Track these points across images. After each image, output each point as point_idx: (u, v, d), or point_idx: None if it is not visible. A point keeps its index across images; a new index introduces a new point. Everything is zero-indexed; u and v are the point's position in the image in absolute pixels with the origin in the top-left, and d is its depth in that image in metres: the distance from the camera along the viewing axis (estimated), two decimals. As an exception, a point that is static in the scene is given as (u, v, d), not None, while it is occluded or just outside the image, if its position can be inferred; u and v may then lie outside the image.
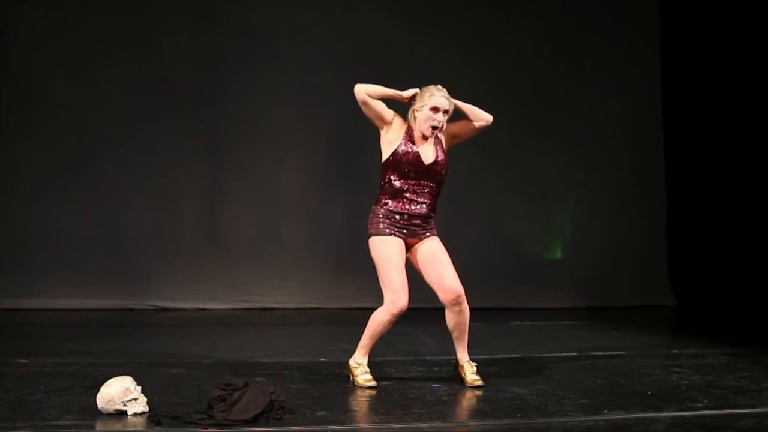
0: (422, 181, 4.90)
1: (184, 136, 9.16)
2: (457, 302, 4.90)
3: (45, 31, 8.92)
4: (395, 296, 4.83)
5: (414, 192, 4.89)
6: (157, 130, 9.10)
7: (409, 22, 9.36)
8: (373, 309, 4.98)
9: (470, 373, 4.98)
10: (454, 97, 4.98)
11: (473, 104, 5.08)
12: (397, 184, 4.89)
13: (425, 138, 4.92)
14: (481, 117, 5.06)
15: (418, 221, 4.92)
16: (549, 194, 9.74)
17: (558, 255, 9.77)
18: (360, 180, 8.61)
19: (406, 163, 4.87)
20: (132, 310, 8.90)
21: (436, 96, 4.88)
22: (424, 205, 4.92)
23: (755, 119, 9.62)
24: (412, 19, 9.39)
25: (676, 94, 9.90)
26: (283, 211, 9.30)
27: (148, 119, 9.08)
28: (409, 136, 4.91)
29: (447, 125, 4.99)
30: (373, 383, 4.89)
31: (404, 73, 9.37)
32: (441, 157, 4.94)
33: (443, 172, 4.95)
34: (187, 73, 9.15)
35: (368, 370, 4.96)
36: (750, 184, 9.70)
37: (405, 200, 4.90)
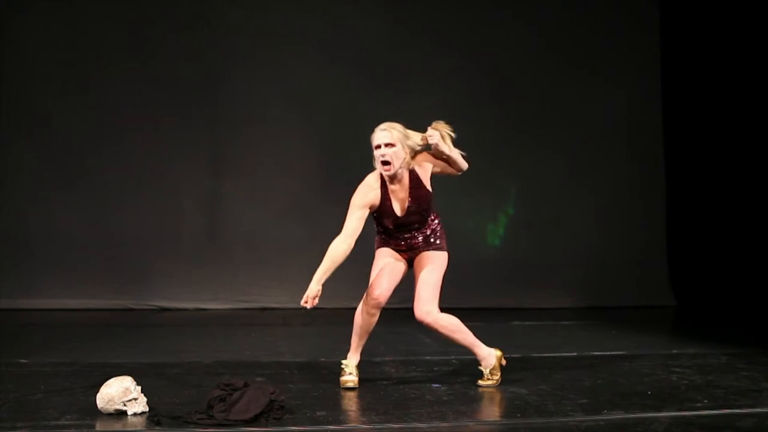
0: (403, 226, 4.91)
1: (183, 135, 9.16)
2: (425, 324, 4.90)
3: (45, 30, 8.93)
4: (369, 289, 4.91)
5: (399, 232, 4.92)
6: (157, 129, 9.10)
7: (409, 22, 9.35)
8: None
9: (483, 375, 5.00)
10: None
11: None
12: (383, 230, 4.97)
13: (397, 181, 4.85)
14: (457, 166, 4.92)
15: (413, 242, 4.96)
16: (548, 194, 9.72)
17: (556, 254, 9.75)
18: (360, 180, 8.58)
19: (385, 219, 4.90)
20: (132, 310, 8.90)
21: (375, 134, 4.83)
22: (414, 236, 4.94)
23: (755, 119, 9.62)
24: (413, 19, 9.39)
25: (676, 94, 9.89)
26: (283, 211, 9.29)
27: (148, 119, 9.08)
28: (385, 190, 4.87)
29: (432, 160, 4.89)
30: (351, 384, 4.87)
31: (404, 73, 9.49)
32: (413, 203, 4.84)
33: (423, 211, 4.88)
34: (187, 72, 9.16)
35: (353, 371, 4.93)
36: (750, 184, 9.69)
37: (396, 239, 4.95)
